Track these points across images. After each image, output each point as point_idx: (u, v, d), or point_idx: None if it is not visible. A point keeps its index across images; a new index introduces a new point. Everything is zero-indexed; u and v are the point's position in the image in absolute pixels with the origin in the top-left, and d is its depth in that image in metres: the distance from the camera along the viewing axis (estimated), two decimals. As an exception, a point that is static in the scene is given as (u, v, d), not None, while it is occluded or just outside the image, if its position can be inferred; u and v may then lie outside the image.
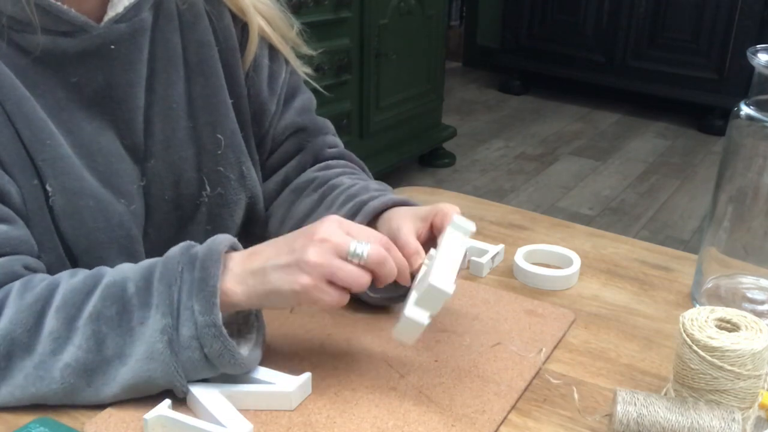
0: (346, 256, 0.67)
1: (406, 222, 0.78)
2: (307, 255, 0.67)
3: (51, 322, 0.67)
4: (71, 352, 0.67)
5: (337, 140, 1.00)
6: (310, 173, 0.95)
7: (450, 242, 0.72)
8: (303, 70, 0.96)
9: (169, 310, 0.67)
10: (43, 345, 0.67)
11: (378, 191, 0.87)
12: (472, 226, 0.72)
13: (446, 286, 0.67)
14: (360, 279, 0.68)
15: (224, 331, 0.67)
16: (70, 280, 0.70)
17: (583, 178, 3.30)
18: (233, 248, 0.72)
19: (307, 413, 0.70)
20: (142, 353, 0.67)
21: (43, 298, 0.68)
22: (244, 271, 0.69)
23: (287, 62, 0.94)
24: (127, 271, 0.70)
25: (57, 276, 0.71)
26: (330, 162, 0.96)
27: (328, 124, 1.00)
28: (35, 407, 0.68)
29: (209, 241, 0.71)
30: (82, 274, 0.71)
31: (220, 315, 0.67)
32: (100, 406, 0.69)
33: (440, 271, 0.68)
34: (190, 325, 0.66)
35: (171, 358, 0.67)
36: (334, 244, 0.67)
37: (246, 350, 0.71)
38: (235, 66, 0.89)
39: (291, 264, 0.67)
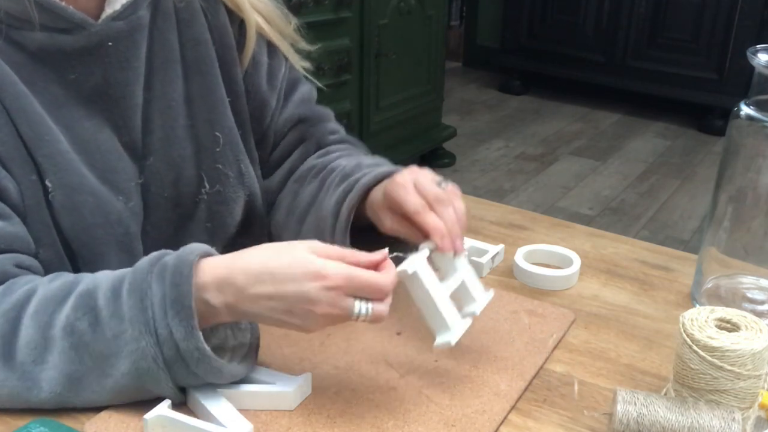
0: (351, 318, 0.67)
1: (384, 216, 0.80)
2: (310, 327, 0.67)
3: (26, 330, 0.67)
4: (54, 364, 0.66)
5: (339, 126, 1.00)
6: (311, 161, 0.95)
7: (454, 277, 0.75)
8: (301, 64, 0.96)
9: (146, 329, 0.65)
10: (22, 353, 0.66)
11: (369, 167, 0.87)
12: (430, 245, 0.74)
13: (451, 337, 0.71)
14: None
15: (209, 352, 0.66)
16: (47, 285, 0.69)
17: (583, 178, 3.30)
18: (207, 254, 0.70)
19: (307, 413, 0.70)
20: (127, 369, 0.66)
21: (18, 305, 0.68)
22: (230, 308, 0.67)
23: (286, 58, 0.95)
24: (100, 279, 0.69)
25: (38, 281, 0.71)
26: (331, 147, 0.96)
27: (329, 112, 1.00)
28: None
29: (180, 251, 0.69)
30: (59, 280, 0.70)
31: (201, 337, 0.65)
32: (100, 407, 0.69)
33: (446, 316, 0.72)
34: (171, 346, 0.65)
35: (159, 374, 0.66)
36: (335, 317, 0.66)
37: (236, 361, 0.70)
38: (231, 64, 0.89)
39: (288, 322, 0.67)
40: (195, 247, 0.68)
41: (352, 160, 0.91)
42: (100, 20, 0.78)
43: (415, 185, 0.76)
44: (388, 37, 2.78)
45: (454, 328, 0.71)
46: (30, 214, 0.75)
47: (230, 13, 0.89)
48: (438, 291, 0.72)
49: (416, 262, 0.70)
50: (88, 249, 0.78)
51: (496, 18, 4.45)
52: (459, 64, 4.79)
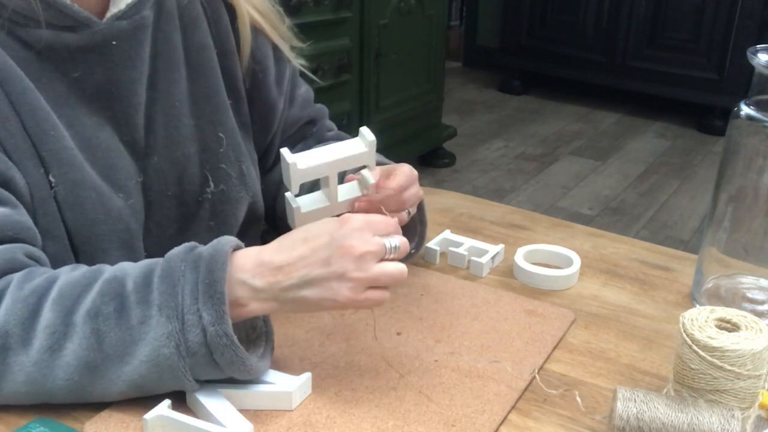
0: (384, 257, 0.70)
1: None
2: (347, 271, 0.68)
3: (47, 315, 0.66)
4: (72, 350, 0.66)
5: (333, 124, 1.06)
6: None
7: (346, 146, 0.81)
8: (299, 62, 0.98)
9: (174, 314, 0.66)
10: (39, 340, 0.66)
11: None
12: (369, 136, 0.81)
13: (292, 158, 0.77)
14: (401, 275, 0.70)
15: (236, 339, 0.66)
16: (69, 273, 0.70)
17: (583, 178, 3.30)
18: (239, 247, 0.71)
19: (307, 413, 0.70)
20: (147, 355, 0.66)
21: (40, 290, 0.67)
22: (271, 287, 0.68)
23: (287, 59, 0.96)
24: (127, 267, 0.70)
25: (58, 270, 0.71)
26: (328, 142, 0.99)
27: (324, 110, 1.04)
28: (36, 407, 0.68)
29: (214, 242, 0.70)
30: (82, 269, 0.71)
31: (230, 323, 0.66)
32: (100, 406, 0.69)
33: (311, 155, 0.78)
34: (198, 332, 0.66)
35: (179, 363, 0.66)
36: (373, 253, 0.69)
37: (255, 358, 0.70)
38: (233, 68, 0.91)
39: (329, 278, 0.68)
40: (228, 239, 0.70)
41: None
42: (104, 19, 0.78)
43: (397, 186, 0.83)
44: (388, 37, 2.78)
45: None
46: (39, 206, 0.75)
47: (229, 11, 0.90)
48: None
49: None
50: (89, 244, 0.79)
51: (496, 18, 4.45)
52: (459, 64, 4.80)
